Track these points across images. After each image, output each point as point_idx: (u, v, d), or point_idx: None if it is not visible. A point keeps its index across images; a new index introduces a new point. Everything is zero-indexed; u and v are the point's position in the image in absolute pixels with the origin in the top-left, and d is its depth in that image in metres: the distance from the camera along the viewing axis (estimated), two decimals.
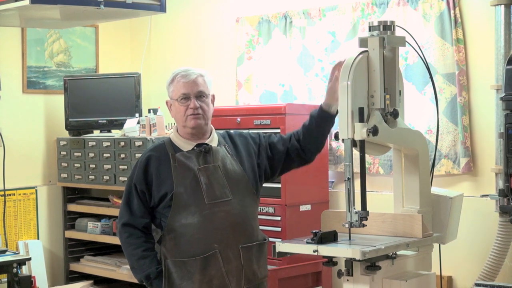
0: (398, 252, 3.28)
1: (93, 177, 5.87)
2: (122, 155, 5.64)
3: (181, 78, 3.35)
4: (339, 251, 3.17)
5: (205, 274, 3.25)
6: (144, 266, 3.32)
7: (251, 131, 3.81)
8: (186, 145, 3.35)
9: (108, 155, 5.74)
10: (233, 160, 3.35)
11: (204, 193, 3.26)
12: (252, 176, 3.37)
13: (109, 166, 5.73)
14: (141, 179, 3.33)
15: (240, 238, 3.29)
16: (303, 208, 5.21)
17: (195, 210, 3.26)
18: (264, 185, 3.49)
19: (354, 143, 3.22)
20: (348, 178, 3.22)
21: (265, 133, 3.66)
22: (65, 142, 6.11)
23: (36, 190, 6.29)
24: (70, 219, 6.24)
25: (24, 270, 5.52)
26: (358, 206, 3.23)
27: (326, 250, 3.18)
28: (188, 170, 3.29)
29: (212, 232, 3.26)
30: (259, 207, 3.49)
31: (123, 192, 3.41)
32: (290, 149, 3.44)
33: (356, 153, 3.21)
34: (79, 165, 5.98)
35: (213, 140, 3.38)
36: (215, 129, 3.44)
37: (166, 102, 3.44)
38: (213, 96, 3.41)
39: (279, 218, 5.11)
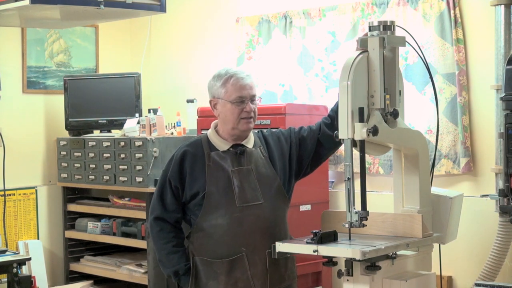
0: (398, 252, 3.28)
1: (93, 177, 5.87)
2: (122, 155, 5.64)
3: (237, 81, 3.33)
4: (339, 251, 3.17)
5: (230, 276, 3.29)
6: (173, 262, 3.37)
7: None
8: (222, 145, 3.38)
9: (108, 155, 5.74)
10: (266, 162, 3.38)
11: (235, 196, 3.30)
12: (284, 178, 3.41)
13: (109, 166, 5.73)
14: (176, 174, 3.36)
15: (268, 243, 3.31)
16: (303, 208, 5.21)
17: (225, 212, 3.29)
18: None
19: (354, 143, 3.22)
20: (348, 178, 3.22)
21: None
22: (65, 142, 6.11)
23: (36, 190, 6.29)
24: (70, 219, 6.24)
25: (24, 270, 5.52)
26: (358, 206, 3.22)
27: (326, 250, 3.18)
28: (222, 171, 3.32)
29: (240, 235, 3.29)
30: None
31: (157, 185, 3.45)
32: (322, 138, 3.47)
33: (356, 153, 3.21)
34: (79, 165, 5.98)
35: (250, 141, 3.41)
36: None
37: (210, 101, 3.42)
38: None
39: None
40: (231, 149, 3.37)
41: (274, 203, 3.37)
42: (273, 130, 3.55)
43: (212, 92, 3.41)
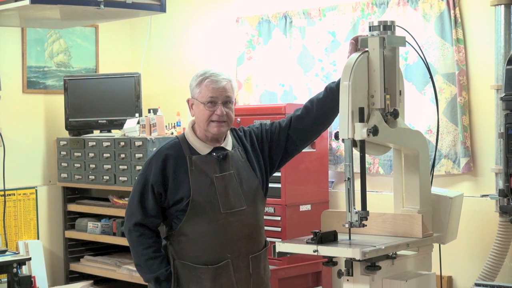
0: (398, 252, 3.28)
1: (93, 177, 5.87)
2: (122, 155, 5.64)
3: (210, 82, 3.25)
4: (339, 251, 3.17)
5: (215, 283, 3.25)
6: (154, 267, 3.29)
7: None
8: (203, 148, 3.30)
9: (108, 155, 5.74)
10: (246, 165, 3.33)
11: (220, 202, 3.24)
12: (262, 178, 3.36)
13: (109, 166, 5.73)
14: (159, 180, 3.26)
15: (251, 248, 3.29)
16: (303, 208, 5.21)
17: (210, 219, 3.23)
18: None
19: (354, 143, 3.22)
20: (348, 178, 3.22)
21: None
22: (65, 142, 6.11)
23: (36, 190, 6.29)
24: (70, 219, 6.24)
25: (24, 270, 5.52)
26: (358, 206, 3.23)
27: (326, 250, 3.18)
28: (206, 177, 3.25)
29: (226, 242, 3.24)
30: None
31: (134, 189, 3.33)
32: (291, 132, 3.39)
33: (356, 153, 3.21)
34: (79, 165, 5.98)
35: (228, 142, 3.34)
36: None
37: (188, 100, 3.35)
38: (235, 100, 3.40)
39: (279, 218, 5.11)
40: (213, 154, 3.29)
41: (255, 207, 3.32)
42: (245, 128, 3.45)
43: (190, 92, 3.35)
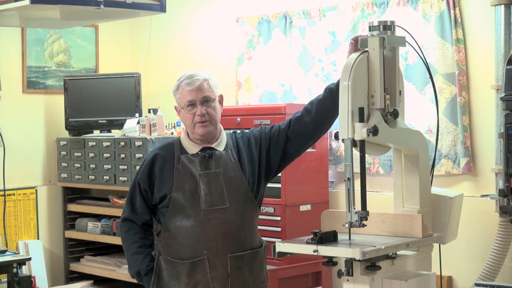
0: (398, 252, 3.29)
1: (93, 177, 5.87)
2: (122, 155, 5.64)
3: (185, 85, 3.29)
4: (339, 251, 3.17)
5: (191, 278, 3.29)
6: (137, 262, 3.38)
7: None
8: (192, 148, 3.35)
9: (108, 155, 5.74)
10: (236, 166, 3.33)
11: (201, 199, 3.28)
12: (253, 182, 3.35)
13: (109, 166, 5.73)
14: (145, 178, 3.36)
15: (230, 247, 3.29)
16: (303, 208, 5.21)
17: (190, 215, 3.28)
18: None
19: (354, 143, 3.22)
20: (348, 178, 3.22)
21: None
22: (65, 142, 6.11)
23: (36, 190, 6.29)
24: (70, 219, 6.25)
25: (24, 270, 5.52)
26: (358, 206, 3.23)
27: (326, 250, 3.18)
28: (190, 175, 3.30)
29: (203, 238, 3.28)
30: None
31: (129, 187, 3.45)
32: (291, 135, 3.38)
33: (356, 153, 3.21)
34: (79, 165, 5.98)
35: (221, 143, 3.36)
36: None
37: (175, 107, 3.40)
38: (221, 96, 3.39)
39: (279, 218, 5.11)
40: (200, 152, 3.33)
41: (241, 207, 3.32)
42: (246, 131, 3.47)
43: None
